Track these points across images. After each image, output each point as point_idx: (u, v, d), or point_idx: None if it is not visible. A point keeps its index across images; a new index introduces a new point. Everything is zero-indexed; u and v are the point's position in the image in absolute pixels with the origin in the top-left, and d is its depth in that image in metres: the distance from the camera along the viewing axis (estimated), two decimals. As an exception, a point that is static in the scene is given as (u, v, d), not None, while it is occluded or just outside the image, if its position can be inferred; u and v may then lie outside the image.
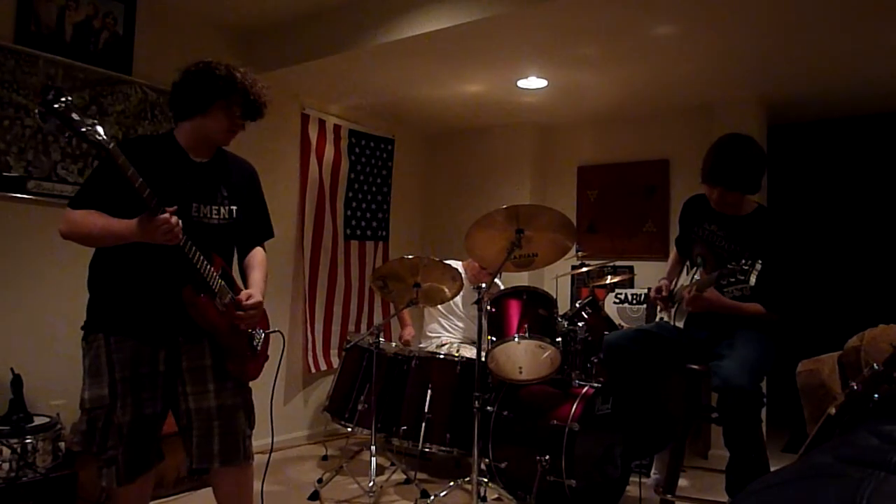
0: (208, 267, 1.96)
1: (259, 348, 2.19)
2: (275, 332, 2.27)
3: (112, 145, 1.71)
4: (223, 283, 2.01)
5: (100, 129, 1.70)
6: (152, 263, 1.93)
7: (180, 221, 1.80)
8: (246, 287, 2.16)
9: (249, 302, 2.05)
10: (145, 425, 1.96)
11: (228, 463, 2.03)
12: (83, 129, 1.67)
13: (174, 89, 2.03)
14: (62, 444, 2.73)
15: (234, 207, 2.11)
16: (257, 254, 2.27)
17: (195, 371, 2.02)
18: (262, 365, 2.24)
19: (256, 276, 2.20)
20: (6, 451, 2.51)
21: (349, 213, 4.68)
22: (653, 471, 3.39)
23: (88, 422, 1.90)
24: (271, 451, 2.36)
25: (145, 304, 1.96)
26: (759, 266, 2.22)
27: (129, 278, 1.96)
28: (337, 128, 4.57)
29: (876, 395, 1.20)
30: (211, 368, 2.03)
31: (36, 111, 2.97)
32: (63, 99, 1.65)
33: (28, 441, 2.58)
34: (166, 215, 1.76)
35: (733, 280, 2.28)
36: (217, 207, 2.06)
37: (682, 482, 3.31)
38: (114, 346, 1.92)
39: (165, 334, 1.98)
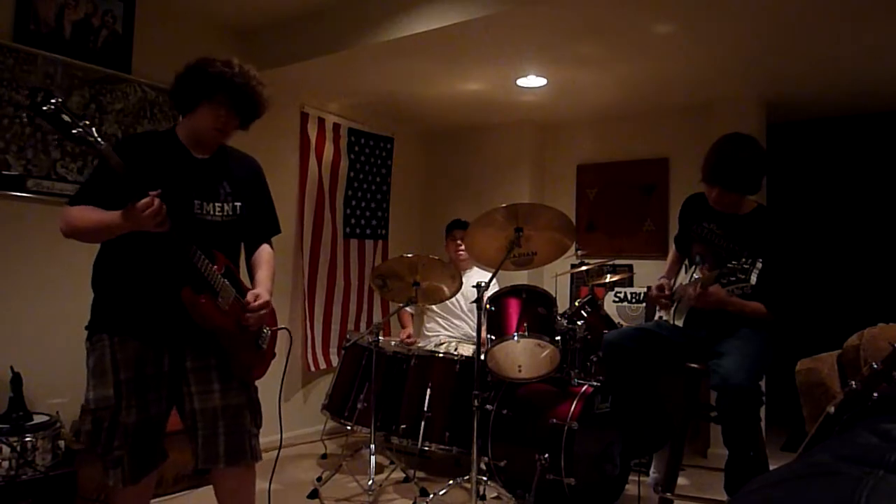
0: (210, 266, 1.92)
1: (265, 346, 2.16)
2: (282, 329, 2.24)
3: (104, 146, 1.67)
4: (226, 281, 1.98)
5: (93, 130, 1.66)
6: (153, 263, 1.91)
7: (164, 205, 1.74)
8: (252, 285, 2.13)
9: (257, 303, 2.02)
10: (150, 426, 1.95)
11: (234, 463, 2.01)
12: (74, 132, 1.62)
13: (171, 86, 2.02)
14: (62, 443, 2.72)
15: (237, 204, 2.07)
16: (264, 251, 2.23)
17: (200, 371, 2.00)
18: (268, 363, 2.20)
19: (263, 275, 2.16)
20: (6, 450, 2.51)
21: (348, 211, 4.68)
22: (652, 469, 3.38)
23: (94, 422, 1.89)
24: (280, 449, 2.35)
25: (147, 305, 1.94)
26: (759, 265, 2.21)
27: (131, 278, 1.95)
28: (336, 126, 4.56)
29: (875, 394, 1.20)
30: (216, 368, 2.01)
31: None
32: (53, 101, 1.59)
33: (28, 439, 2.57)
34: (148, 199, 1.70)
35: (734, 279, 2.27)
36: (220, 204, 2.03)
37: (680, 480, 3.31)
38: (118, 347, 1.91)
39: (169, 335, 1.97)
